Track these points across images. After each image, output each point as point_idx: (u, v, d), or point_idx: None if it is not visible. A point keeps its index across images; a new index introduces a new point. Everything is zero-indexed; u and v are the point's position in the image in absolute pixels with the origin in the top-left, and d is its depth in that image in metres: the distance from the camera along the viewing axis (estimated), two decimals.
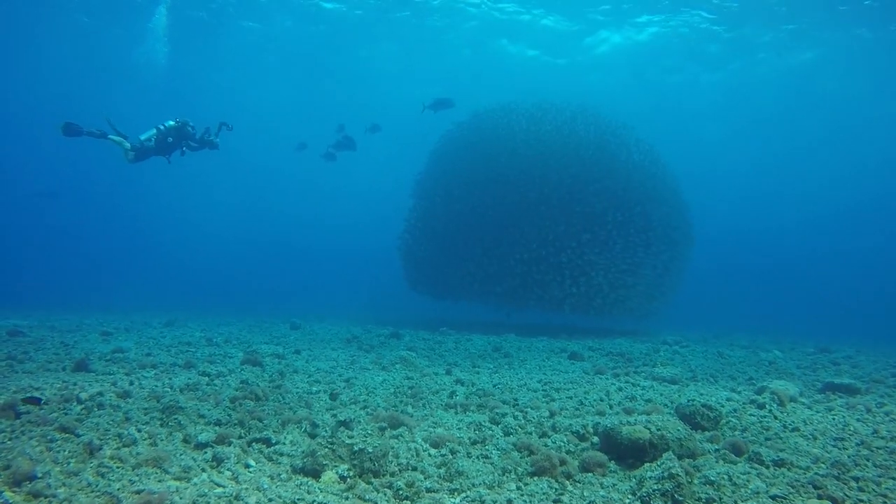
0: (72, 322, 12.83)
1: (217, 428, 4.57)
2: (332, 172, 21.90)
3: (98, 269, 38.75)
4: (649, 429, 4.34)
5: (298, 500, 3.22)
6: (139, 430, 4.30)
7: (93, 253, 43.89)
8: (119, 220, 48.33)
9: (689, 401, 5.50)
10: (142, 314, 16.19)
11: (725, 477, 3.70)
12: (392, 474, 3.69)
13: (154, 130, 9.45)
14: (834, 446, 4.66)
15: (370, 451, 3.74)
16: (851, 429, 5.21)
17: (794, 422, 5.41)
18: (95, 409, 4.83)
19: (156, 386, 6.01)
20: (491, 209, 14.63)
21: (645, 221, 14.32)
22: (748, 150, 42.27)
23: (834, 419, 5.58)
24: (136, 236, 48.19)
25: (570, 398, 6.26)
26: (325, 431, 4.58)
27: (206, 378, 6.65)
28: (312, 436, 4.49)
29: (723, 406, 5.98)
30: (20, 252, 39.40)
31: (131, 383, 6.10)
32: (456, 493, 3.47)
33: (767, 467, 4.03)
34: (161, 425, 4.54)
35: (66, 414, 4.64)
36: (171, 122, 9.55)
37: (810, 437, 4.94)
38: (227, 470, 3.65)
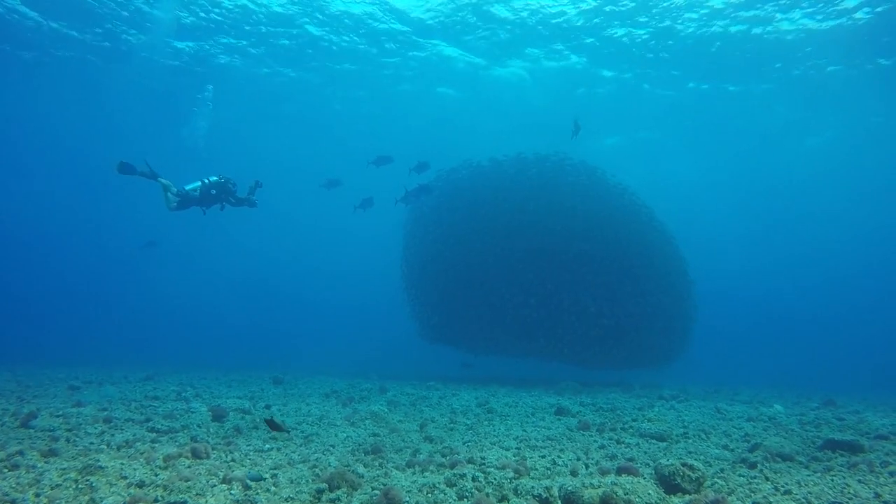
0: (44, 376, 12.37)
1: (135, 490, 4.10)
2: (351, 220, 20.64)
3: (101, 324, 38.46)
4: (615, 492, 3.85)
5: None
6: (38, 495, 3.84)
7: (96, 307, 43.73)
8: (124, 273, 48.16)
9: (669, 460, 4.99)
10: (125, 368, 15.70)
11: None
12: None
13: (199, 183, 9.61)
14: None
15: None
16: (851, 491, 4.65)
17: (786, 483, 4.86)
18: (6, 471, 4.38)
19: (91, 444, 5.54)
20: (507, 254, 14.29)
21: (649, 273, 14.34)
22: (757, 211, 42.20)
23: (832, 480, 5.01)
24: (146, 290, 47.87)
25: (544, 457, 5.73)
26: (253, 494, 4.10)
27: (153, 434, 6.17)
28: (237, 500, 4.01)
29: (709, 465, 5.44)
30: (19, 306, 39.19)
31: (68, 440, 5.65)
32: None
33: None
34: (71, 488, 4.08)
35: None
36: (215, 178, 9.72)
37: (804, 500, 4.40)
38: None
